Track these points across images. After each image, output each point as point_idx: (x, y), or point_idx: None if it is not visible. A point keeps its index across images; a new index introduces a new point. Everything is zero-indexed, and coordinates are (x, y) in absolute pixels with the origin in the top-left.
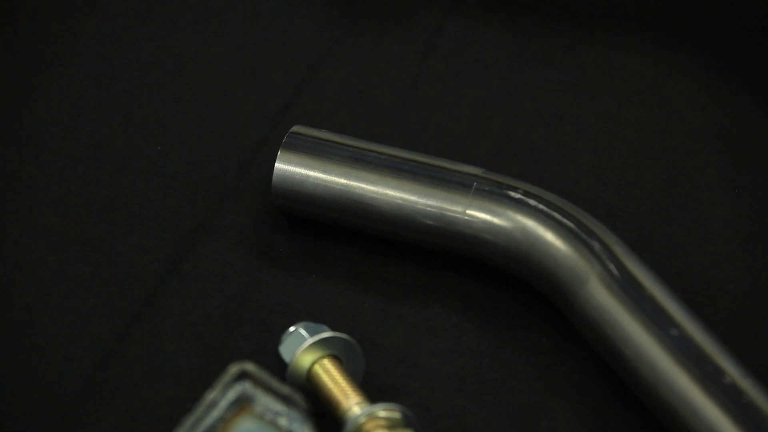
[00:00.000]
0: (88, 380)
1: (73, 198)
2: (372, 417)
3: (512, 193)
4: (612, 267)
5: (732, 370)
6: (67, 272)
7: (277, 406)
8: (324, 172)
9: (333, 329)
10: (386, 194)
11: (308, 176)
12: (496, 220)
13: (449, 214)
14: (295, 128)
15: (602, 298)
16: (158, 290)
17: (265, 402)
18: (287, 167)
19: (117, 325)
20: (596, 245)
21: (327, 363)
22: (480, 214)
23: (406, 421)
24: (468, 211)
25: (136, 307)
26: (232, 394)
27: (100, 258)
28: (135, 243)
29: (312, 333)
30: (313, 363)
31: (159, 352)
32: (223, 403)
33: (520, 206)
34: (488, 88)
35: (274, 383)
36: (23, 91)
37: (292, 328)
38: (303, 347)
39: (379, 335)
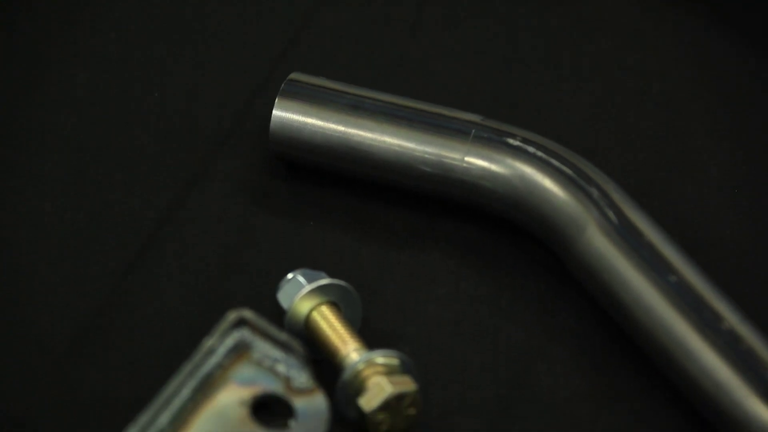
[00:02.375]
0: (85, 328)
1: (69, 146)
2: (370, 363)
3: (511, 140)
4: (610, 213)
5: (730, 316)
6: (64, 220)
7: (275, 352)
8: (322, 119)
9: (331, 276)
10: (384, 141)
11: (306, 123)
12: (494, 167)
13: (447, 161)
14: (293, 75)
15: (600, 244)
16: (155, 237)
17: (263, 349)
18: (285, 114)
19: (113, 273)
20: (594, 192)
21: (325, 310)
22: (478, 161)
23: (404, 367)
24: (466, 158)
25: (132, 254)
26: (230, 341)
27: (96, 206)
28: (131, 190)
29: (310, 280)
30: (311, 310)
31: (156, 300)
32: (221, 350)
33: (519, 153)
34: (486, 35)
35: (272, 330)
36: (21, 39)
37: (290, 275)
38: (301, 294)
39: (377, 282)
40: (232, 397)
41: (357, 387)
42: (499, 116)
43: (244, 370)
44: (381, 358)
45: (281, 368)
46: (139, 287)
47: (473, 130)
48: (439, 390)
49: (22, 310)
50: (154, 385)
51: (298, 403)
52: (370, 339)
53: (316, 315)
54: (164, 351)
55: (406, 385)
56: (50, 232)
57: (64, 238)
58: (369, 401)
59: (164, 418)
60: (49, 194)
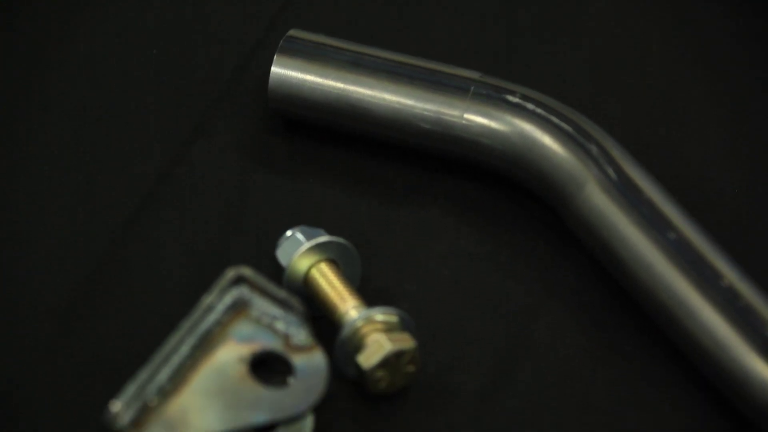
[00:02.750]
0: (84, 285)
1: (67, 104)
2: (369, 320)
3: (510, 97)
4: (609, 170)
5: (729, 273)
6: (63, 180)
7: (274, 309)
8: (321, 76)
9: (330, 233)
10: (383, 98)
11: (305, 80)
12: (493, 124)
13: (447, 118)
14: (292, 32)
15: (600, 201)
16: (153, 195)
17: (261, 306)
18: (284, 71)
19: (112, 231)
20: (594, 149)
21: (324, 267)
22: (477, 118)
23: (403, 324)
24: (465, 115)
25: (131, 212)
26: (228, 298)
27: (94, 163)
28: (130, 148)
29: (309, 237)
30: (310, 267)
31: (155, 257)
32: (220, 307)
33: (518, 110)
34: None
35: (271, 287)
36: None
37: (288, 233)
38: (300, 251)
39: (376, 239)
40: (231, 354)
41: (356, 344)
42: (498, 73)
43: (242, 327)
44: (380, 315)
45: (280, 325)
46: (137, 244)
47: (472, 87)
48: (438, 347)
49: (21, 268)
50: (153, 341)
51: (297, 360)
52: (369, 296)
53: (314, 272)
54: (163, 308)
55: (405, 342)
56: (49, 191)
57: (63, 196)
58: (368, 358)
59: (163, 375)
60: (48, 152)
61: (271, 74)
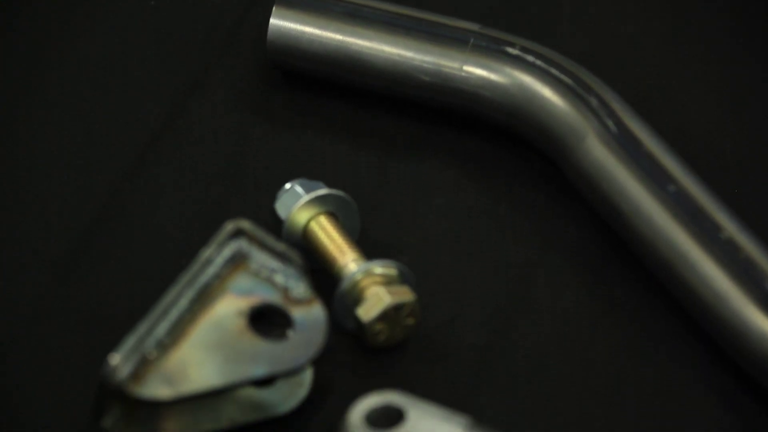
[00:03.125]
0: (82, 239)
1: (66, 57)
2: (368, 273)
3: (509, 49)
4: (609, 123)
5: (729, 226)
6: (61, 129)
7: (273, 263)
8: (319, 27)
9: (329, 186)
10: (382, 50)
11: (303, 32)
12: (493, 76)
13: (446, 70)
14: None
15: (600, 154)
16: (152, 147)
17: (260, 259)
18: (282, 23)
19: (111, 182)
20: (594, 101)
21: (323, 220)
22: (477, 70)
23: (402, 278)
24: (465, 67)
25: (130, 164)
26: (227, 251)
27: (93, 116)
28: (128, 100)
29: (308, 190)
30: (309, 220)
31: (154, 209)
32: (219, 260)
33: (518, 62)
34: None
35: (270, 240)
36: None
37: (287, 185)
38: (299, 204)
39: (375, 192)
40: (229, 307)
41: (355, 297)
42: (497, 25)
43: (241, 280)
44: (379, 268)
45: (279, 279)
46: (136, 197)
47: (471, 39)
48: (437, 300)
49: (20, 221)
50: (152, 294)
51: (296, 313)
52: (368, 249)
53: (314, 225)
54: (161, 261)
55: (405, 295)
56: (48, 144)
57: (62, 149)
58: (367, 311)
59: (162, 328)
60: (47, 105)
61: (269, 26)
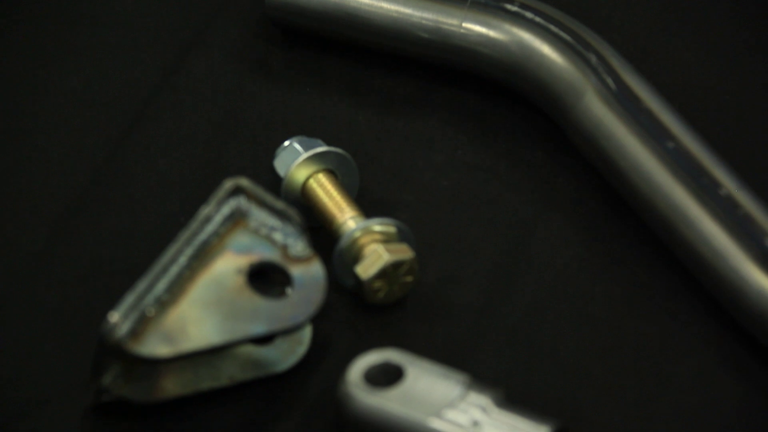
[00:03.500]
0: (81, 194)
1: (64, 13)
2: (367, 231)
3: (508, 6)
4: (608, 80)
5: (728, 182)
6: (60, 86)
7: (272, 220)
8: None
9: (328, 143)
10: (381, 6)
11: None
12: (492, 33)
13: (445, 27)
14: None
15: (599, 110)
16: (151, 104)
17: (259, 217)
18: None
19: (110, 139)
20: (593, 58)
21: (322, 177)
22: (476, 27)
23: (401, 235)
24: (464, 24)
25: (128, 120)
26: (226, 209)
27: (92, 71)
28: (127, 56)
29: (306, 147)
30: (308, 177)
31: (152, 166)
32: (218, 218)
33: (517, 19)
34: None
35: (269, 198)
36: None
37: (286, 143)
38: (298, 162)
39: (374, 149)
40: (228, 265)
41: (354, 255)
42: None
43: (240, 238)
44: (378, 225)
45: (278, 236)
46: (134, 154)
47: None
48: (435, 258)
49: (19, 177)
50: (151, 251)
51: (295, 271)
52: (366, 207)
53: (312, 183)
54: (160, 218)
55: (403, 252)
56: (47, 100)
57: (61, 105)
58: (366, 269)
59: (161, 286)
60: (45, 62)
61: None
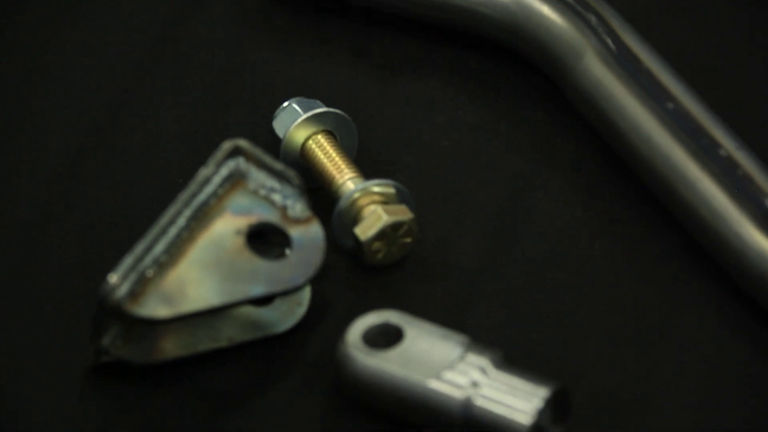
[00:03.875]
0: (79, 155)
1: None
2: (366, 192)
3: None
4: (608, 40)
5: (727, 143)
6: (60, 43)
7: (271, 182)
8: None
9: (327, 104)
10: None
11: None
12: None
13: None
14: None
15: (598, 71)
16: (150, 62)
17: (258, 178)
18: None
19: (109, 97)
20: (593, 18)
21: (321, 138)
22: None
23: (400, 196)
24: None
25: (127, 78)
26: (225, 170)
27: (91, 32)
28: (126, 17)
29: (306, 108)
30: (307, 138)
31: (151, 126)
32: (217, 179)
33: None
34: None
35: (268, 159)
36: None
37: (285, 104)
38: (297, 122)
39: (373, 109)
40: (227, 226)
41: (353, 216)
42: None
43: (239, 199)
44: (377, 187)
45: (277, 197)
46: (132, 115)
47: None
48: (435, 218)
49: (19, 132)
50: (149, 212)
51: (294, 232)
52: (366, 168)
53: (311, 144)
54: (158, 178)
55: (403, 213)
56: (45, 56)
57: (59, 66)
58: (365, 230)
59: (160, 247)
60: (44, 21)
61: None
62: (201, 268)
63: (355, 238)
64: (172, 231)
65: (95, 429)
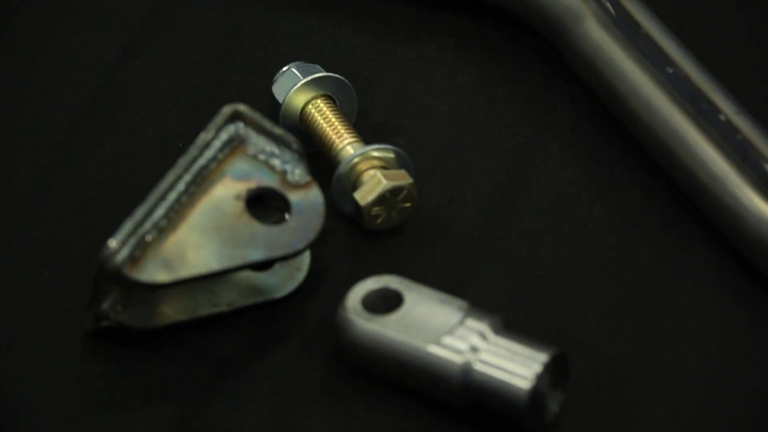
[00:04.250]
0: (79, 118)
1: None
2: (366, 157)
3: None
4: (608, 4)
5: (727, 108)
6: (57, 10)
7: (271, 146)
8: None
9: (326, 69)
10: None
11: None
12: None
13: None
14: None
15: (598, 35)
16: (149, 26)
17: (258, 143)
18: None
19: (109, 60)
20: None
21: (320, 103)
22: None
23: (399, 161)
24: None
25: (126, 44)
26: (224, 135)
27: None
28: None
29: (305, 73)
30: (307, 103)
31: (150, 90)
32: (216, 144)
33: None
34: None
35: (268, 124)
36: None
37: (285, 68)
38: (296, 87)
39: (372, 74)
40: (227, 191)
41: (353, 181)
42: None
43: (239, 164)
44: (377, 151)
45: (276, 162)
46: (132, 78)
47: None
48: (434, 183)
49: (18, 97)
50: (149, 176)
51: (294, 197)
52: (365, 132)
53: (311, 108)
54: (158, 142)
55: (402, 178)
56: (44, 26)
57: (58, 28)
58: (365, 195)
59: (160, 212)
60: None
61: None
62: (201, 233)
63: (355, 203)
64: (172, 196)
65: (95, 393)
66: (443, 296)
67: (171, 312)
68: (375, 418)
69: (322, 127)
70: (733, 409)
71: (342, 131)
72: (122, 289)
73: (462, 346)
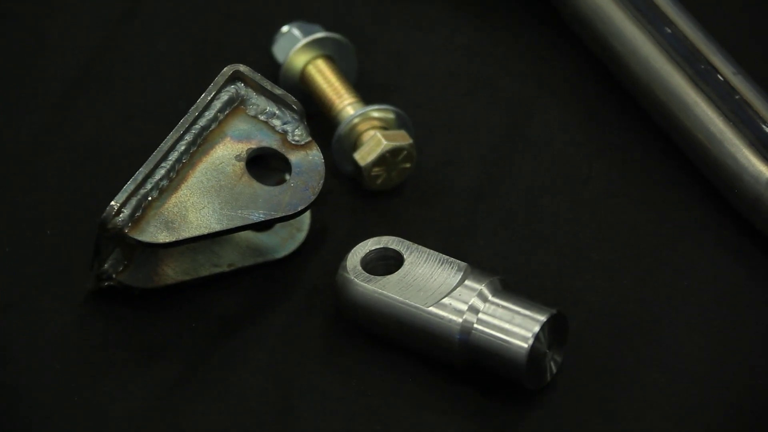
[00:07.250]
0: (79, 78)
1: None
2: (366, 117)
3: None
4: None
5: (725, 69)
6: None
7: (271, 107)
8: None
9: (326, 29)
10: None
11: None
12: None
13: None
14: None
15: None
16: None
17: (258, 103)
18: None
19: (107, 24)
20: None
21: (321, 63)
22: None
23: (399, 121)
24: None
25: (125, 5)
26: (225, 95)
27: None
28: None
29: (305, 33)
30: (307, 63)
31: (150, 51)
32: (217, 105)
33: None
34: None
35: (268, 84)
36: None
37: (285, 28)
38: (296, 47)
39: (372, 33)
40: (227, 151)
41: (353, 141)
42: None
43: (239, 124)
44: (376, 112)
45: (276, 123)
46: (132, 39)
47: None
48: (433, 142)
49: (18, 59)
50: (150, 135)
51: (294, 157)
52: (365, 92)
53: (311, 69)
54: (159, 101)
55: (402, 139)
56: None
57: None
58: (365, 155)
59: (161, 172)
60: None
61: None
62: (201, 194)
63: (355, 164)
64: (173, 156)
65: (96, 352)
66: (443, 257)
67: (172, 272)
68: (374, 377)
69: (322, 88)
70: (731, 366)
71: (342, 91)
72: (123, 249)
73: (461, 306)
